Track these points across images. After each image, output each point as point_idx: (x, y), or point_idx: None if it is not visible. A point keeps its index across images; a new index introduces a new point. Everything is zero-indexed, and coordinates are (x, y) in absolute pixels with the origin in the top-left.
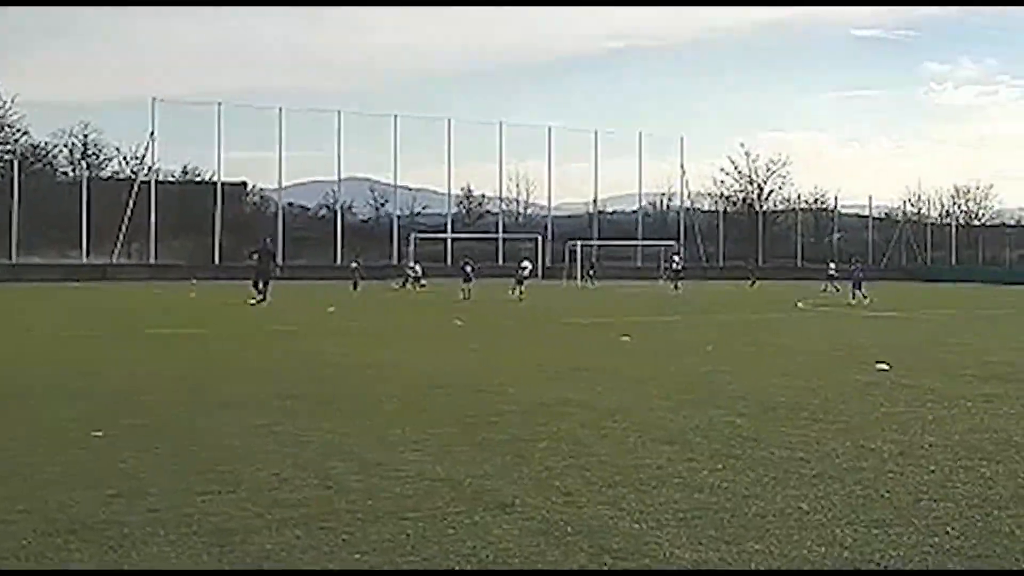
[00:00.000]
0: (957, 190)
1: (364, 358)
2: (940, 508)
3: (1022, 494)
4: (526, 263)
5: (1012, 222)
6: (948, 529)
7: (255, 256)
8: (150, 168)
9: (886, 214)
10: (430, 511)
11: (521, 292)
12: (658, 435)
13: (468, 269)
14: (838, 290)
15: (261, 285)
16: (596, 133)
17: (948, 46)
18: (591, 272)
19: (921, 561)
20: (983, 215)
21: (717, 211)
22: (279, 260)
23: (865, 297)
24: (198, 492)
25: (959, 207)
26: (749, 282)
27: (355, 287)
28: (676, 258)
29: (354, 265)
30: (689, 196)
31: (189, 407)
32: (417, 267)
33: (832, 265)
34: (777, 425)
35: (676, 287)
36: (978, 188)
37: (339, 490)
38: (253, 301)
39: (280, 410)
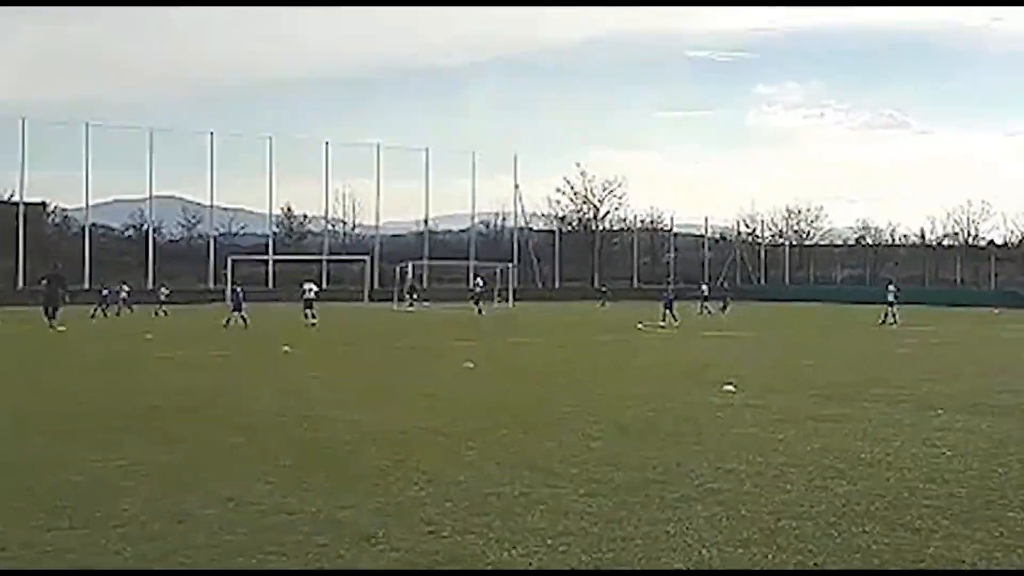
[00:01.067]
0: (789, 211)
1: (194, 386)
2: (800, 527)
3: (874, 511)
4: (310, 285)
5: (840, 242)
6: (810, 547)
7: (44, 282)
8: None
9: (721, 234)
10: (292, 545)
11: (313, 317)
12: (517, 461)
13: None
14: (711, 312)
15: (51, 311)
16: (428, 151)
17: (777, 69)
18: (412, 295)
19: None
20: (814, 235)
21: (553, 231)
22: (96, 286)
23: (676, 319)
24: (46, 528)
25: (791, 228)
26: (599, 303)
27: (102, 313)
28: (479, 280)
29: (118, 290)
30: (524, 216)
31: (14, 440)
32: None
33: (705, 287)
34: (634, 447)
35: (480, 311)
36: (809, 209)
37: (193, 525)
38: (62, 328)
39: (115, 444)
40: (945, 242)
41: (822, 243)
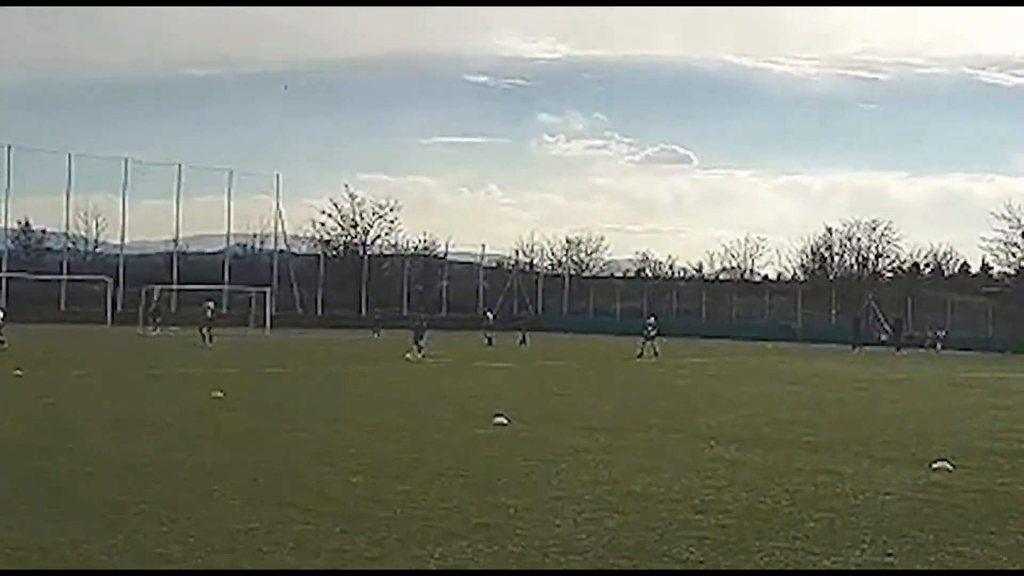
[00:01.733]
0: (569, 241)
1: None
2: (567, 561)
3: (643, 544)
4: None
5: (620, 274)
6: None
7: None
8: None
9: (498, 263)
10: None
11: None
12: (268, 497)
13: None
14: (656, 353)
15: None
16: (180, 166)
17: (559, 99)
18: (156, 319)
19: None
20: (594, 267)
21: (316, 255)
22: None
23: (420, 351)
24: None
25: (571, 258)
26: (373, 332)
27: None
28: (210, 304)
29: None
30: (285, 238)
31: None
32: None
33: (651, 320)
34: (397, 483)
35: (209, 340)
36: (589, 240)
37: None
38: None
39: None
40: (722, 276)
41: (601, 275)
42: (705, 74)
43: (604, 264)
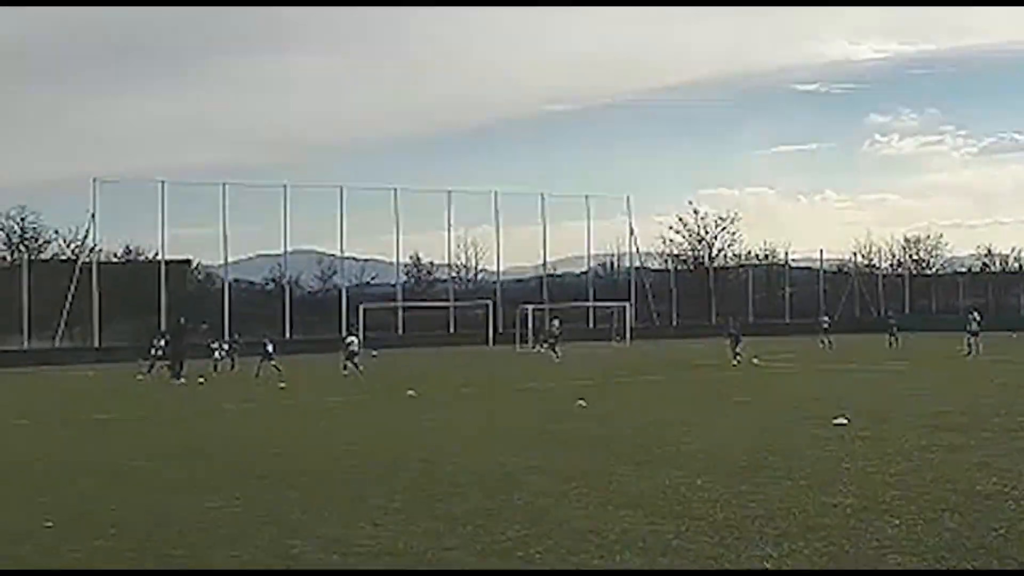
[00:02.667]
0: (908, 240)
1: (338, 438)
2: (904, 561)
3: (985, 543)
4: (352, 338)
5: (963, 270)
6: None
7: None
8: (91, 249)
9: (838, 267)
10: None
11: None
12: (619, 499)
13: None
14: (832, 344)
15: (178, 365)
16: (542, 196)
17: (889, 98)
18: (551, 340)
19: None
20: (934, 264)
21: (667, 270)
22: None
23: (738, 355)
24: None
25: (910, 257)
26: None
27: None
28: (556, 321)
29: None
30: (639, 256)
31: (138, 493)
32: (354, 340)
33: (826, 319)
34: (739, 484)
35: (556, 355)
36: (928, 237)
37: None
38: (201, 380)
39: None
40: None
41: (943, 272)
42: None
43: (945, 261)
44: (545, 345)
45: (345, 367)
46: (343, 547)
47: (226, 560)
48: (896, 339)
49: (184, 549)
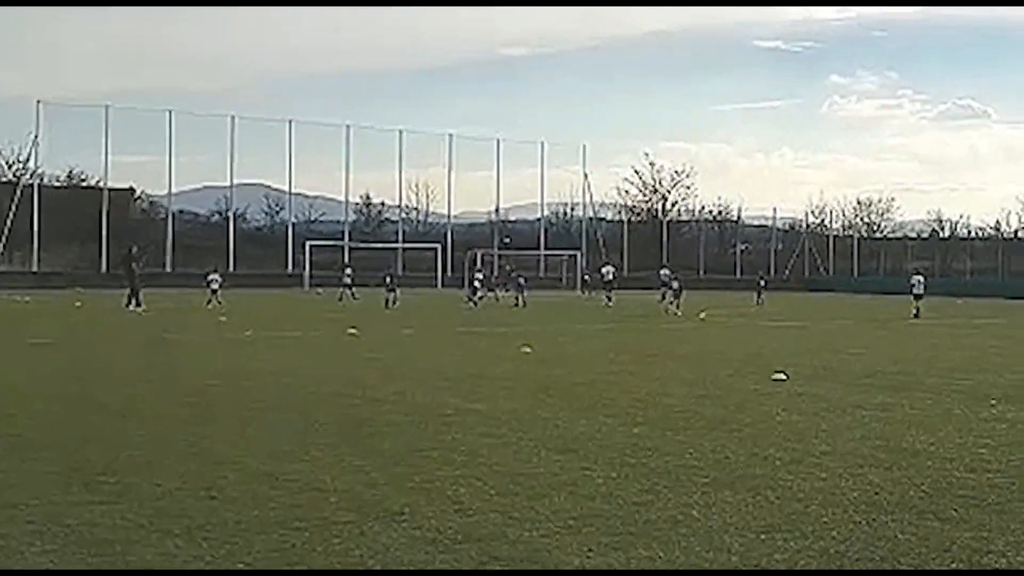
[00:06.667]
0: (860, 202)
1: (265, 368)
2: (827, 514)
3: (907, 499)
4: (214, 276)
5: (913, 234)
6: (834, 534)
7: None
8: (33, 172)
9: (790, 226)
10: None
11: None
12: (554, 444)
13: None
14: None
15: (133, 294)
16: (498, 141)
17: (850, 59)
18: (519, 283)
19: (805, 564)
20: (885, 227)
21: (621, 221)
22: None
23: (675, 305)
24: (79, 503)
25: (861, 219)
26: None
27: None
28: (610, 268)
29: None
30: (593, 206)
31: (72, 417)
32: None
33: (919, 278)
34: (674, 433)
35: (608, 301)
36: (880, 201)
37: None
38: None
39: (167, 419)
40: (1021, 234)
41: (893, 235)
42: (1006, 25)
43: (896, 225)
44: (604, 295)
45: (209, 302)
46: (269, 480)
47: (151, 489)
48: (762, 299)
49: (110, 475)
